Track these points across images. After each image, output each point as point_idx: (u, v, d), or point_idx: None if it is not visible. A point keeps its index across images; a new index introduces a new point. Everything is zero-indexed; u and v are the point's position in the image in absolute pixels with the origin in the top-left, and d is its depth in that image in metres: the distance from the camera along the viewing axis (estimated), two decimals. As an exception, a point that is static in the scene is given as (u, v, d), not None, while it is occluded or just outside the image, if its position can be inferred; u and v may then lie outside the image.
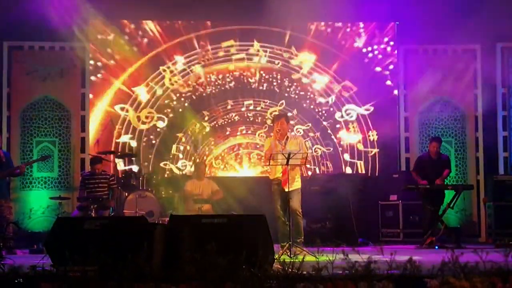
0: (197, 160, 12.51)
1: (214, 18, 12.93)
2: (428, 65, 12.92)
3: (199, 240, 5.67)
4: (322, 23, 13.01)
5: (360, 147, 12.99)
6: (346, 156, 12.98)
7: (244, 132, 12.95)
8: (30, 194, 12.19)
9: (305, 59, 13.05)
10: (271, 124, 9.67)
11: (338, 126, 13.03)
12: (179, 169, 12.66)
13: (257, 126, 12.95)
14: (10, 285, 5.19)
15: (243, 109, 12.95)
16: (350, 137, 13.07)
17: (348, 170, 12.84)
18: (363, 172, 12.79)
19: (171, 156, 12.72)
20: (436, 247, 10.33)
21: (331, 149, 12.91)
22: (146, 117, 12.81)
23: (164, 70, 12.93)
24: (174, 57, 12.92)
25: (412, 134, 12.94)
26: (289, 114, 12.41)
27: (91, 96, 12.63)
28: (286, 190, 9.01)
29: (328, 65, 13.05)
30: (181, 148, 12.76)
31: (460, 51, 13.05)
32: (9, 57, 12.42)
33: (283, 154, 8.69)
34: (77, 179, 12.06)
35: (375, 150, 12.93)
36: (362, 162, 12.98)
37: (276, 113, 12.15)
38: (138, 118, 12.79)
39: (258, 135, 12.91)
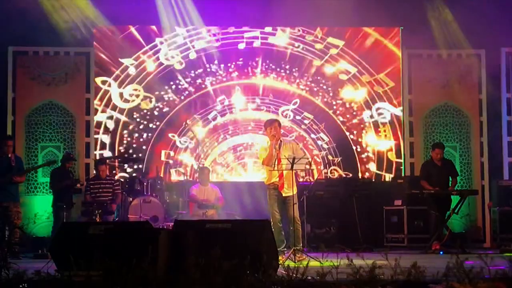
0: (202, 165, 12.50)
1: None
2: (432, 70, 12.90)
3: (203, 245, 5.68)
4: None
5: (392, 156, 12.94)
6: (372, 166, 12.91)
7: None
8: (35, 199, 12.18)
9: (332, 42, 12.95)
10: (263, 132, 9.69)
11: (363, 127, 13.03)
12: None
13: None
14: (14, 290, 5.21)
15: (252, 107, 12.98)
16: (380, 142, 13.02)
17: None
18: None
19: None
20: (441, 252, 10.30)
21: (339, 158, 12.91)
22: (130, 95, 12.80)
23: (161, 43, 12.90)
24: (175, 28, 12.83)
25: (417, 139, 12.92)
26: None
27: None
28: (284, 195, 9.03)
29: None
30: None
31: (464, 56, 13.04)
32: (14, 62, 12.44)
33: (288, 160, 8.69)
34: (82, 190, 12.01)
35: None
36: (391, 175, 12.88)
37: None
38: (121, 95, 12.78)
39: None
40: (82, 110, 12.56)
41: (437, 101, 12.90)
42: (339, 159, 12.85)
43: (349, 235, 11.27)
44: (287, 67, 12.92)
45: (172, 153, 12.71)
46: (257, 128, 12.72)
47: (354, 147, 12.91)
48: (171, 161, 12.71)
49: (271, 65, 12.92)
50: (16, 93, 12.44)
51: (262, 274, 5.10)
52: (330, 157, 12.86)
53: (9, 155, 10.49)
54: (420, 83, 12.91)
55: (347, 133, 12.93)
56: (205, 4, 12.54)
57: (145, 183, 11.64)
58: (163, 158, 12.71)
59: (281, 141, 9.20)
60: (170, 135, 12.74)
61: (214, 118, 12.85)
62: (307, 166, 9.16)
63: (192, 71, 12.82)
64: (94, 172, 11.80)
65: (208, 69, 12.85)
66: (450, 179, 11.14)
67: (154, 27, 12.77)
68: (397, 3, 12.17)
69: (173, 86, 12.77)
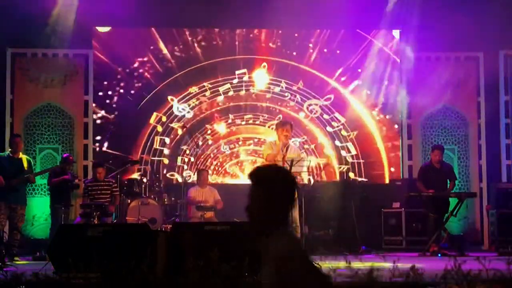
0: (200, 167, 12.50)
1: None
2: (431, 72, 12.90)
3: (201, 247, 5.68)
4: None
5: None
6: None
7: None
8: (33, 201, 12.15)
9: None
10: (275, 130, 9.67)
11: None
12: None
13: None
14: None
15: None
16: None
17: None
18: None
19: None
20: (439, 255, 10.30)
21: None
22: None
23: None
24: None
25: (415, 141, 12.92)
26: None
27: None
28: None
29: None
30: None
31: (463, 59, 13.05)
32: (12, 64, 12.44)
33: (287, 162, 8.71)
34: (80, 186, 12.03)
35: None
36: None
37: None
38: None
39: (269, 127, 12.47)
40: (80, 112, 12.56)
41: (435, 103, 12.90)
42: (362, 180, 12.59)
43: (347, 237, 11.26)
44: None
45: (164, 118, 12.60)
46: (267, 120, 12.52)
47: (387, 170, 12.60)
48: (159, 127, 12.58)
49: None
50: (15, 95, 12.44)
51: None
52: (352, 175, 12.55)
53: (20, 157, 10.49)
54: (418, 86, 12.91)
55: (383, 150, 12.63)
56: None
57: (143, 185, 11.64)
58: (152, 121, 12.61)
59: (288, 144, 9.22)
60: (169, 97, 12.60)
61: (226, 92, 12.65)
62: (306, 168, 9.15)
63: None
64: (92, 174, 11.80)
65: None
66: (448, 182, 11.16)
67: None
68: (396, 5, 12.18)
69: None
